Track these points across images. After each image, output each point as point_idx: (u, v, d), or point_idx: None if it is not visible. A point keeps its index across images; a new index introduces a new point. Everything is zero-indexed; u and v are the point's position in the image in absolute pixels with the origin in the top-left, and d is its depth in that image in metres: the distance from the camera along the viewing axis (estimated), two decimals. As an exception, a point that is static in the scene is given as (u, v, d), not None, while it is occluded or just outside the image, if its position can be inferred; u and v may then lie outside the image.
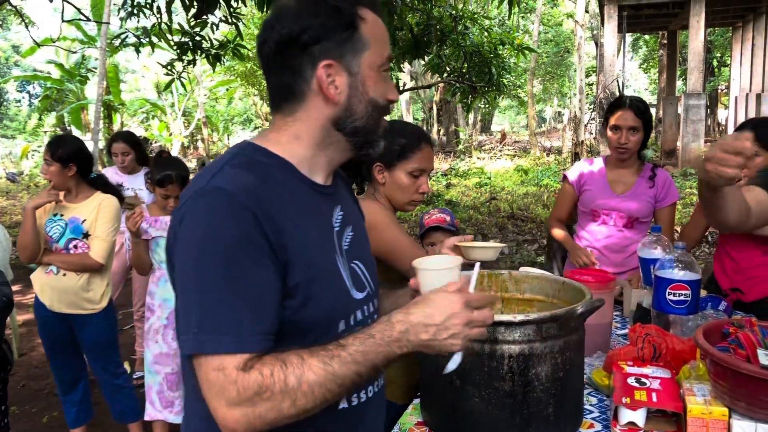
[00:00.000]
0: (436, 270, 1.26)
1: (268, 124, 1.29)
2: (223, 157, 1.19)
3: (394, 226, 1.99)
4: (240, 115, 33.66)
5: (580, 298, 1.73)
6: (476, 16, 8.25)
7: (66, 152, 3.39)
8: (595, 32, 25.14)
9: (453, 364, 1.22)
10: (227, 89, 26.92)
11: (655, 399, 1.58)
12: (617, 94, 15.82)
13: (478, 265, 1.29)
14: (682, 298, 2.08)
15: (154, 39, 6.56)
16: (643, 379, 1.69)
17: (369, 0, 1.22)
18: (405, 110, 28.30)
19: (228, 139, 32.94)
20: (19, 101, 48.38)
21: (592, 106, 24.81)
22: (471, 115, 29.12)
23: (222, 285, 1.04)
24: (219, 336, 1.02)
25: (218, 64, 7.08)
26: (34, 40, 11.51)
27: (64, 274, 3.43)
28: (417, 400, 1.89)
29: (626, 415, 1.57)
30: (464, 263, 2.02)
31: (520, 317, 1.53)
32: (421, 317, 1.09)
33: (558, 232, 3.45)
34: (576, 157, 18.91)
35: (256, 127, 31.62)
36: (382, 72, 1.22)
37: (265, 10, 5.68)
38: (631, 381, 1.68)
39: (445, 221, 3.04)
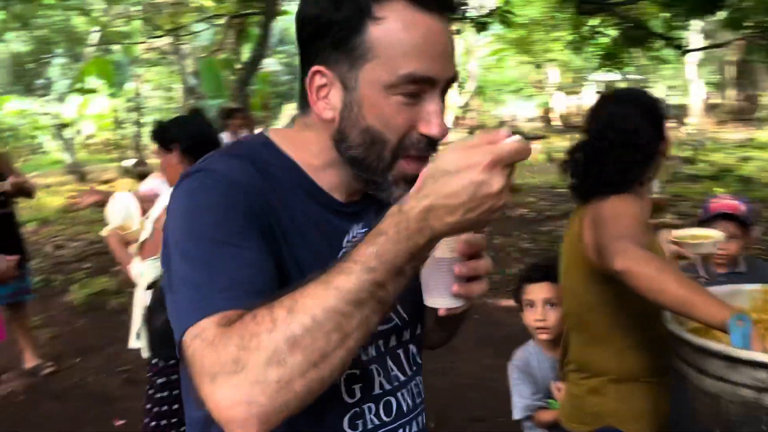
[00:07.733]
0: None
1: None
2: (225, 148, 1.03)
3: (630, 219, 1.51)
4: (513, 83, 33.26)
5: None
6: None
7: None
8: None
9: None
10: (499, 58, 26.67)
11: None
12: None
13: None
14: None
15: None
16: None
17: None
18: (694, 74, 25.56)
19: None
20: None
21: None
22: (777, 77, 25.22)
23: (209, 255, 0.84)
24: (201, 306, 0.81)
25: (484, 30, 7.23)
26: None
27: None
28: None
29: None
30: None
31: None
32: (443, 199, 0.75)
33: None
34: None
35: (528, 95, 31.05)
36: (395, 95, 0.89)
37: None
38: None
39: (738, 209, 2.44)
